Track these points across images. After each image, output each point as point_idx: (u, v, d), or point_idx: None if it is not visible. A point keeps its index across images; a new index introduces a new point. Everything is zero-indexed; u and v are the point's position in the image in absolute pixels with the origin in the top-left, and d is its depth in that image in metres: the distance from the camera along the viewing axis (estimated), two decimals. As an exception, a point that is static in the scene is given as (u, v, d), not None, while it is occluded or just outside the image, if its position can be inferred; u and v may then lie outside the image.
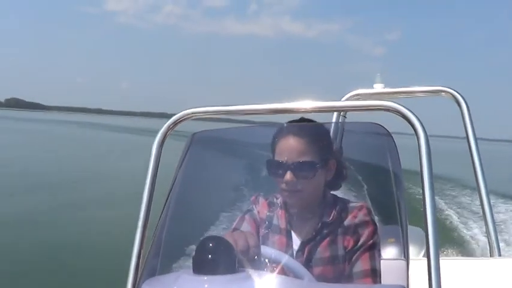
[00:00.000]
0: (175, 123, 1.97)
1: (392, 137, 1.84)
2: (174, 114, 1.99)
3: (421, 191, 1.58)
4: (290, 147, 1.97)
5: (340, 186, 2.15)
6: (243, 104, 1.97)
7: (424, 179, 1.64)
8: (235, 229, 2.06)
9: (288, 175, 1.95)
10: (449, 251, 8.40)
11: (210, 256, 1.60)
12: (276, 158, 1.99)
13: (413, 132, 1.69)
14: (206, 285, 1.56)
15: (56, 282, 7.56)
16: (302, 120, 2.07)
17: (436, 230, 1.59)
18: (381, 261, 1.95)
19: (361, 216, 1.97)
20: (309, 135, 1.98)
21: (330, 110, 2.89)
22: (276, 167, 1.99)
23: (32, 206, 12.92)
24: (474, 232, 10.92)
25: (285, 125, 2.07)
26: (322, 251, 1.96)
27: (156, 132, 1.99)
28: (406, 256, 1.70)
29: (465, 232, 11.22)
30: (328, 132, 2.10)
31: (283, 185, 1.98)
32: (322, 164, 1.98)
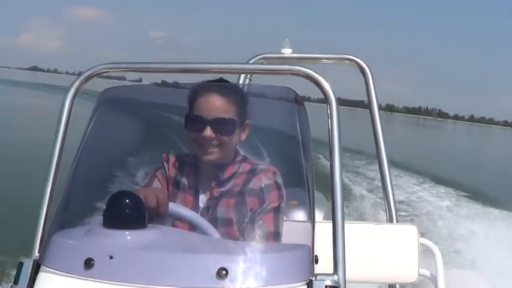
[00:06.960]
0: (89, 77, 1.93)
1: (303, 102, 1.90)
2: None
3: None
4: (211, 103, 2.00)
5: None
6: (155, 62, 1.97)
7: (334, 144, 1.71)
8: (146, 186, 2.08)
9: (208, 130, 1.98)
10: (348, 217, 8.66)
11: (120, 211, 1.62)
12: (195, 113, 2.02)
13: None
14: (116, 239, 1.59)
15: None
16: (220, 81, 2.11)
17: (342, 193, 1.67)
18: (285, 223, 2.00)
19: (268, 178, 2.01)
20: (229, 94, 2.03)
21: (241, 71, 2.86)
22: (196, 121, 2.01)
23: None
24: (370, 199, 11.39)
25: (204, 83, 2.09)
26: (228, 211, 1.99)
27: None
28: (311, 218, 1.75)
29: (361, 198, 11.69)
30: (245, 93, 2.15)
31: (200, 140, 2.00)
32: (239, 123, 2.04)
